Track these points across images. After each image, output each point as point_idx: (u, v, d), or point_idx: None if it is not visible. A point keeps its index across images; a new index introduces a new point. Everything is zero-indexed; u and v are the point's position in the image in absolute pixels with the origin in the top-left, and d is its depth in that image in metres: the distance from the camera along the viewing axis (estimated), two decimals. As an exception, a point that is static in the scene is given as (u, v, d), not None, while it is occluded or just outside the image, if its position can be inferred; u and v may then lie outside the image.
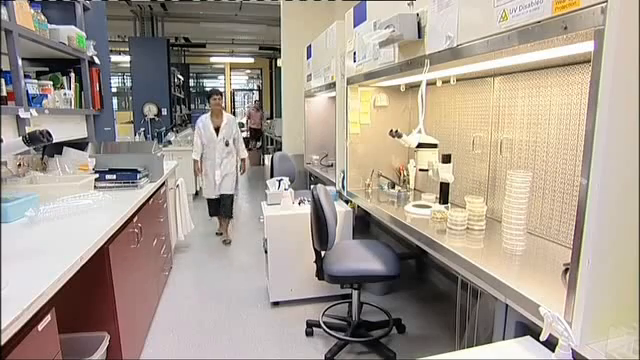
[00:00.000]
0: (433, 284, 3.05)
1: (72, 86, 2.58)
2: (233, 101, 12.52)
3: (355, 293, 2.32)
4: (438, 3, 1.62)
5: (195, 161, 4.12)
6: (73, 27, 2.51)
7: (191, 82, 11.75)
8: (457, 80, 2.09)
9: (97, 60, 2.90)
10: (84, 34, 2.66)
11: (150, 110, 7.26)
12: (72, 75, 2.59)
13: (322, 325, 2.40)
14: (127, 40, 7.50)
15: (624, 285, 1.00)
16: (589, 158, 0.95)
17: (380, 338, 2.30)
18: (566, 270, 1.26)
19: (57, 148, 2.66)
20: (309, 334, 2.46)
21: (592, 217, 0.95)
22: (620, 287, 0.99)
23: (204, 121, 4.06)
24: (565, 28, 1.03)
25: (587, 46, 1.00)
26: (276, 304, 2.82)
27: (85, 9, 2.82)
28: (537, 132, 1.75)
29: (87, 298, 1.77)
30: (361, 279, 2.18)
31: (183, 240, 3.92)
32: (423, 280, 3.15)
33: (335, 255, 2.19)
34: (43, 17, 2.15)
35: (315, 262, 2.21)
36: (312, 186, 2.17)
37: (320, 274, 2.18)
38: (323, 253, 2.20)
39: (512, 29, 1.22)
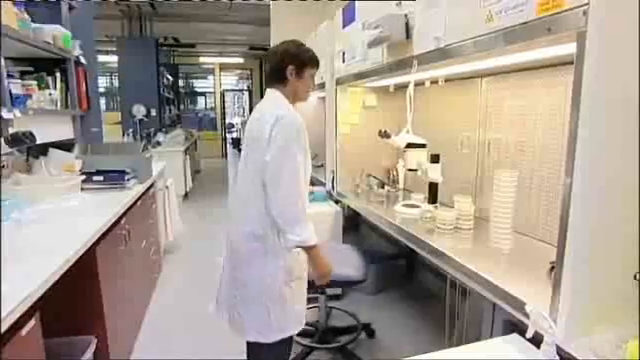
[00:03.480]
0: (423, 283, 3.07)
1: (58, 86, 2.53)
2: (223, 102, 12.44)
3: (322, 298, 2.28)
4: (426, 4, 1.63)
5: (315, 250, 1.54)
6: (58, 26, 2.47)
7: (180, 82, 11.65)
8: (445, 81, 2.11)
9: (83, 60, 2.85)
10: (70, 33, 2.62)
11: (139, 111, 7.18)
12: (58, 75, 2.54)
13: None
14: (115, 40, 7.41)
15: (608, 282, 1.02)
16: (572, 157, 0.97)
17: (347, 344, 2.27)
18: (552, 268, 1.28)
19: (42, 149, 2.61)
20: None
21: (576, 215, 0.97)
22: (604, 284, 1.01)
23: (300, 123, 1.50)
24: (549, 30, 1.04)
25: (572, 47, 1.02)
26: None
27: (71, 8, 2.78)
28: (524, 132, 1.77)
29: (74, 301, 1.75)
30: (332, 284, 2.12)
31: (173, 241, 3.89)
32: (413, 279, 3.16)
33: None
34: (26, 16, 2.12)
35: None
36: None
37: None
38: None
39: (498, 30, 1.23)
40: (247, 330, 1.59)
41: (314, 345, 2.26)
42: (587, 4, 0.90)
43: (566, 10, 0.98)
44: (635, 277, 0.94)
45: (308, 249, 1.52)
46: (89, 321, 1.78)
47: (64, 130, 2.73)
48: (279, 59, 1.59)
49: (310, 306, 2.64)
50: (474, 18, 1.33)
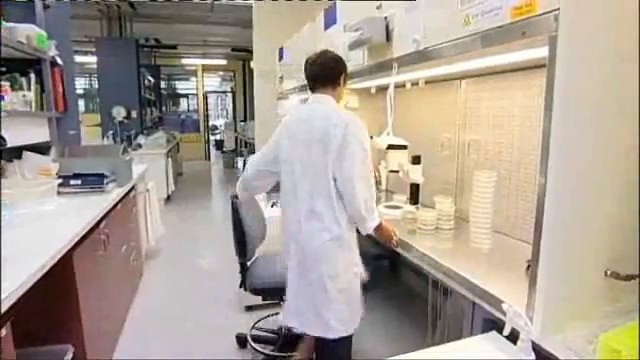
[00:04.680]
0: (407, 283, 3.10)
1: (32, 87, 2.47)
2: (206, 103, 12.31)
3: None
4: (405, 7, 1.65)
5: (381, 224, 1.71)
6: (33, 26, 2.41)
7: (162, 84, 11.48)
8: (426, 83, 2.13)
9: (60, 60, 2.79)
10: (45, 33, 2.56)
11: (119, 112, 7.03)
12: (32, 76, 2.48)
13: (249, 340, 2.32)
14: (94, 40, 7.25)
15: (581, 280, 1.04)
16: (546, 158, 0.99)
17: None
18: (529, 267, 1.31)
19: (17, 152, 2.54)
20: (243, 346, 2.36)
21: (549, 214, 0.99)
22: (577, 282, 1.04)
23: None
24: (523, 33, 1.06)
25: (545, 51, 1.05)
26: (250, 308, 2.79)
27: (46, 7, 2.71)
28: (503, 133, 1.81)
29: (50, 309, 1.70)
30: (282, 292, 2.09)
31: (154, 245, 3.82)
32: (396, 280, 3.19)
33: (260, 266, 2.14)
34: (-1, 15, 2.06)
35: (240, 273, 2.12)
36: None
37: (244, 285, 2.11)
38: (249, 263, 2.14)
39: (475, 34, 1.25)
40: (332, 328, 1.64)
41: (275, 354, 2.22)
42: (557, 9, 0.93)
43: (539, 15, 1.00)
44: (606, 274, 0.97)
45: (377, 227, 1.68)
46: (66, 329, 1.73)
47: (39, 132, 2.66)
48: (335, 65, 1.72)
49: (271, 313, 2.63)
50: (452, 21, 1.35)
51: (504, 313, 1.03)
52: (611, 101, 1.01)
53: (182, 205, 6.23)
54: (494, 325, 1.25)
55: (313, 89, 1.74)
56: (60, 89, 2.80)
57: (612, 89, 1.01)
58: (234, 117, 12.35)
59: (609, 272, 0.98)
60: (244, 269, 2.11)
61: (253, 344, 2.31)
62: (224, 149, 11.25)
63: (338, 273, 1.63)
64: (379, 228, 1.71)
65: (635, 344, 0.69)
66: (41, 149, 2.66)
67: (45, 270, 1.38)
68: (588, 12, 0.95)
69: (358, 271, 1.71)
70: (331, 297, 1.63)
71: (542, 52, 1.08)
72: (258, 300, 2.74)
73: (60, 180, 2.46)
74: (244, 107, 12.03)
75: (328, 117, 1.61)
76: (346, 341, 1.70)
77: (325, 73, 1.72)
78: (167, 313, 2.83)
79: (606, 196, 1.04)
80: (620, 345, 0.77)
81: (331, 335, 1.65)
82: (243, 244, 2.00)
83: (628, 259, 0.98)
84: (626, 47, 1.00)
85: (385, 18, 1.78)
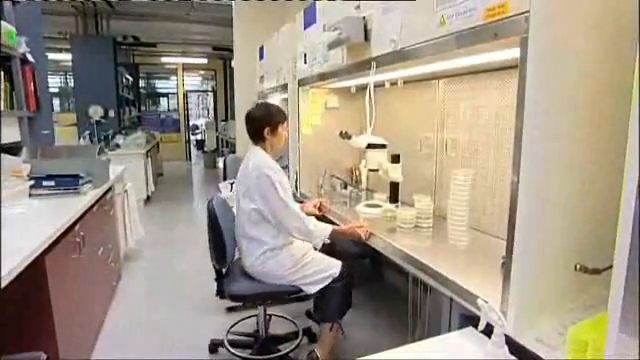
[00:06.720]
0: (388, 281, 3.13)
1: (1, 86, 2.38)
2: (186, 103, 12.13)
3: (261, 309, 2.25)
4: (383, 7, 1.66)
5: (333, 232, 1.99)
6: (1, 21, 2.32)
7: (141, 83, 11.25)
8: (404, 83, 2.16)
9: (31, 58, 2.70)
10: (14, 29, 2.47)
11: (96, 112, 6.86)
12: (1, 74, 2.39)
13: (226, 344, 2.28)
14: (69, 37, 7.04)
15: (552, 274, 1.07)
16: (518, 156, 1.01)
17: (289, 352, 2.23)
18: (504, 263, 1.33)
19: (-15, 153, 2.45)
20: (213, 351, 2.32)
21: (521, 211, 1.01)
22: (548, 276, 1.07)
23: (267, 174, 1.91)
24: (496, 35, 1.09)
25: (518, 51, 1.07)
26: (231, 309, 2.76)
27: (15, 3, 2.61)
28: (479, 132, 1.84)
29: (22, 315, 1.64)
30: (262, 296, 2.07)
31: (133, 247, 3.75)
32: (379, 278, 3.21)
33: (239, 271, 2.08)
34: (-36, 10, 1.98)
35: (215, 280, 2.10)
36: (211, 197, 2.08)
37: (221, 292, 2.07)
38: (224, 270, 2.12)
39: (450, 34, 1.27)
40: (307, 289, 1.99)
41: (253, 357, 2.20)
42: (528, 11, 0.95)
43: (510, 16, 1.02)
44: (575, 268, 1.00)
45: (330, 236, 1.94)
46: (38, 336, 1.68)
47: (9, 132, 2.56)
48: (257, 124, 2.03)
49: (248, 315, 2.61)
50: (428, 22, 1.37)
51: (479, 308, 1.05)
52: (580, 100, 1.04)
53: (162, 206, 6.13)
54: (471, 321, 1.28)
55: (252, 141, 2.08)
56: (31, 87, 2.71)
57: (582, 89, 1.04)
58: (215, 117, 12.21)
59: (578, 266, 1.00)
60: (220, 277, 2.07)
61: (229, 348, 2.27)
62: (205, 149, 11.12)
63: (284, 267, 1.97)
64: (338, 234, 1.93)
65: (601, 335, 0.71)
66: (12, 150, 2.57)
67: (14, 275, 1.34)
68: (559, 13, 0.97)
69: (303, 254, 2.00)
70: (305, 274, 1.98)
71: (515, 53, 1.11)
72: (240, 301, 2.73)
73: (32, 182, 2.38)
74: (225, 106, 11.91)
75: (249, 167, 1.96)
76: (333, 289, 1.98)
77: (252, 130, 2.05)
78: (146, 316, 2.77)
79: (575, 192, 1.08)
80: (587, 336, 0.80)
81: (310, 292, 1.99)
82: (221, 250, 1.95)
83: (595, 253, 1.01)
84: (596, 47, 1.04)
85: (364, 18, 1.79)
